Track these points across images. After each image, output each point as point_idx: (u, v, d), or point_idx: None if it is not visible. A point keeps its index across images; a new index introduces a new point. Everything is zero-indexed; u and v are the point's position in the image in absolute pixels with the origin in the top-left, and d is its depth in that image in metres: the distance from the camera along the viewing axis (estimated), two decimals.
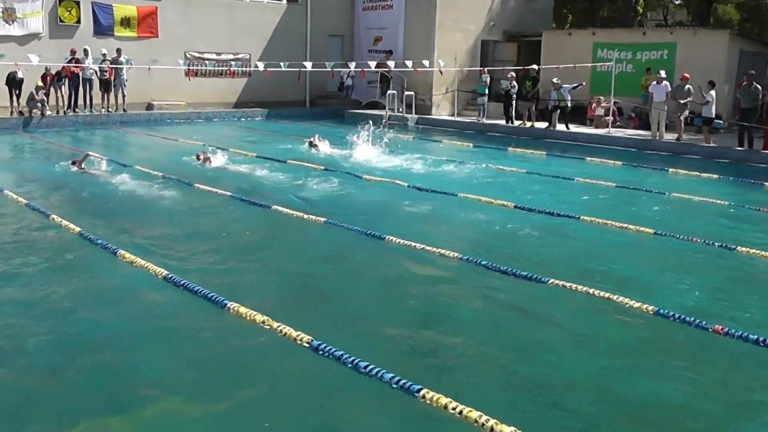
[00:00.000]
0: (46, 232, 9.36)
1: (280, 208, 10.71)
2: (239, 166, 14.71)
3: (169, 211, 10.77)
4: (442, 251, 8.51)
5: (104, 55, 23.10)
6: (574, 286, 7.33)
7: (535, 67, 23.91)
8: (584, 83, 22.87)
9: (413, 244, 8.79)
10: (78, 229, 9.19)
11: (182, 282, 7.19)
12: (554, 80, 22.44)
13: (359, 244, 9.04)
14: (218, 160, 14.69)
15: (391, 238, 9.06)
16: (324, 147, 17.32)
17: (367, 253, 8.72)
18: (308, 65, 23.34)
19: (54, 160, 15.02)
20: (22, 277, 7.59)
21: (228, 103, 27.18)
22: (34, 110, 21.53)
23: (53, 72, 21.84)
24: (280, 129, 20.66)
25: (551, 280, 7.50)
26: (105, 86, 23.29)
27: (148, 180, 13.08)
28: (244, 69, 26.76)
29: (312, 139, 17.56)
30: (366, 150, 17.02)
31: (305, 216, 10.22)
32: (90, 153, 14.31)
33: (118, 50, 23.40)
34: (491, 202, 11.51)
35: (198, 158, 14.78)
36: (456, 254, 8.39)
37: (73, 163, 13.86)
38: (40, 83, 21.52)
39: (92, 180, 13.13)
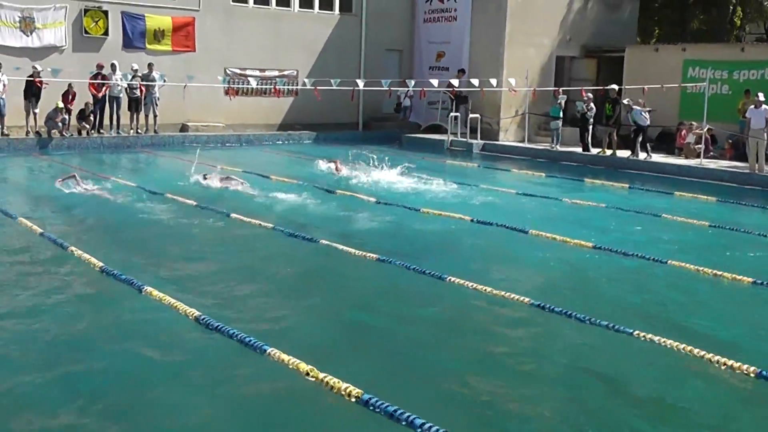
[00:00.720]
0: (64, 265, 9.44)
1: (327, 243, 10.77)
2: (284, 195, 14.91)
3: (203, 243, 10.99)
4: (509, 294, 8.47)
5: (135, 70, 23.59)
6: (661, 340, 7.21)
7: (615, 87, 23.14)
8: (655, 109, 22.45)
9: (477, 285, 8.79)
10: (99, 263, 9.30)
11: (216, 324, 7.18)
12: (625, 101, 22.21)
13: (416, 285, 9.05)
14: (236, 183, 15.52)
15: (452, 278, 9.07)
16: (363, 173, 17.70)
17: (424, 295, 8.71)
18: (361, 83, 23.52)
19: (72, 184, 15.40)
20: (40, 314, 7.67)
21: (271, 125, 27.55)
22: (53, 130, 22.11)
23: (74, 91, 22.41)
24: (330, 154, 20.82)
25: (635, 332, 7.39)
26: (134, 105, 23.81)
27: (179, 208, 13.39)
28: (290, 87, 27.12)
29: (335, 164, 18.54)
30: (422, 179, 17.15)
31: (355, 252, 10.26)
32: (75, 175, 15.18)
33: (150, 65, 23.90)
34: (566, 241, 11.41)
35: (205, 178, 15.92)
36: (525, 299, 8.38)
37: (64, 179, 15.10)
38: (61, 104, 21.98)
39: (115, 207, 13.47)
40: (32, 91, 21.66)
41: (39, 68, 21.60)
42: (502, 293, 8.55)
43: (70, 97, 22.39)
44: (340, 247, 10.51)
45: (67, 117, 22.22)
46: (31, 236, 10.95)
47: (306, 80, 23.40)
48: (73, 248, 9.92)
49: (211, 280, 9.04)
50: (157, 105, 24.09)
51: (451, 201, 14.93)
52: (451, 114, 26.13)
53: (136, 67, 23.68)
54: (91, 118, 22.84)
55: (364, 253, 10.12)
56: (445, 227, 12.52)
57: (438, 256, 10.43)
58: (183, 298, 7.95)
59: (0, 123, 21.67)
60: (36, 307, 7.90)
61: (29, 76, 21.54)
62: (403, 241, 11.43)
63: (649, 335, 7.32)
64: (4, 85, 21.33)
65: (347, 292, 8.89)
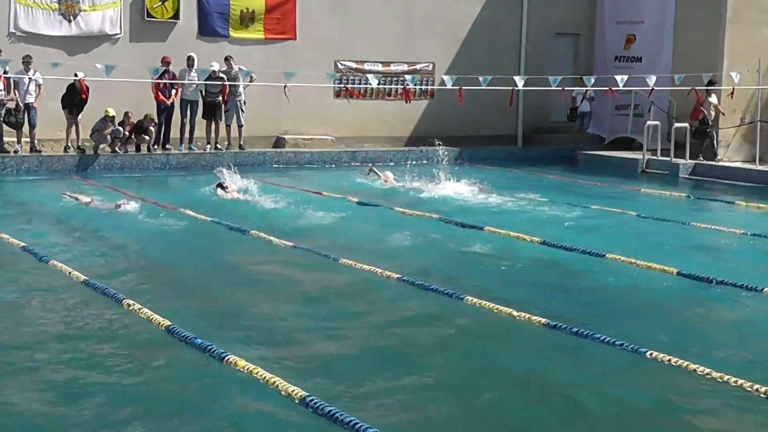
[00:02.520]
0: (120, 321, 9.82)
1: (476, 300, 10.66)
2: (413, 231, 15.26)
3: (299, 295, 11.32)
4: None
5: (214, 69, 23.93)
6: None
7: None
8: None
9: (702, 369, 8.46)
10: (164, 320, 9.44)
11: (343, 417, 7.09)
12: None
13: (601, 360, 8.93)
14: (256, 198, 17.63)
15: (654, 353, 8.72)
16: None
17: (615, 374, 8.61)
18: (521, 81, 23.32)
19: (129, 218, 16.04)
20: (102, 392, 7.91)
21: (398, 139, 27.84)
22: (101, 145, 22.79)
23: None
24: (479, 177, 20.64)
25: None
26: (213, 112, 24.26)
27: (268, 249, 13.88)
28: (424, 86, 27.36)
29: (384, 176, 20.36)
30: (606, 211, 17.11)
31: (520, 315, 10.12)
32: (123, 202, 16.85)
33: (228, 59, 24.21)
34: None
35: (222, 188, 18.37)
36: None
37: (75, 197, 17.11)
38: (112, 111, 22.44)
39: (180, 246, 14.15)
40: (75, 101, 22.39)
41: (82, 75, 22.18)
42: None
43: (128, 124, 23.05)
44: (497, 308, 10.42)
45: (120, 129, 22.81)
46: (69, 283, 11.37)
47: (445, 77, 23.58)
48: (130, 302, 10.17)
49: (314, 352, 9.14)
50: (243, 111, 24.55)
51: (647, 245, 14.77)
52: (648, 123, 25.44)
53: (216, 66, 24.04)
54: (153, 129, 23.35)
55: (529, 316, 10.03)
56: (640, 282, 12.26)
57: (630, 323, 10.32)
58: (287, 376, 8.03)
59: (30, 135, 22.43)
60: (98, 384, 8.11)
61: (70, 85, 22.27)
62: (579, 300, 11.40)
63: None
64: (38, 86, 22.07)
65: (506, 379, 8.66)
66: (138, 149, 23.41)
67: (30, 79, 21.85)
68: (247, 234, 14.78)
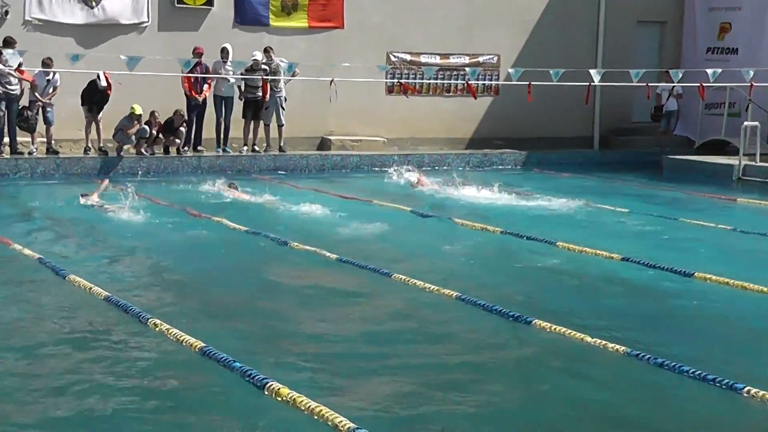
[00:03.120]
0: (147, 343, 9.89)
1: (548, 326, 10.61)
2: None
3: (336, 318, 11.31)
4: None
5: (256, 59, 24.10)
6: None
7: None
8: None
9: None
10: (197, 342, 9.47)
11: None
12: None
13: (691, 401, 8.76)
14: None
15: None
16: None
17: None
18: (598, 76, 23.18)
19: (155, 227, 16.29)
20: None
21: (457, 140, 27.94)
22: (125, 146, 22.98)
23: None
24: (550, 185, 20.59)
25: None
26: (252, 109, 24.40)
27: (311, 262, 14.05)
28: (487, 82, 27.40)
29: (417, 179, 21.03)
30: (699, 225, 16.98)
31: (599, 343, 10.05)
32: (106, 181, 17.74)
33: (268, 50, 24.34)
34: None
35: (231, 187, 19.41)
36: None
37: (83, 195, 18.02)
38: (138, 109, 22.47)
39: (208, 259, 14.34)
40: (96, 97, 22.64)
41: (103, 80, 22.34)
42: None
43: (154, 125, 23.22)
44: (568, 332, 10.37)
45: (147, 128, 22.93)
46: (89, 300, 11.48)
47: (512, 71, 23.50)
48: (157, 321, 10.23)
49: (363, 378, 9.19)
50: (283, 110, 24.62)
51: (743, 263, 14.54)
52: (745, 123, 25.18)
53: (258, 56, 24.19)
54: (183, 129, 23.51)
55: (605, 343, 10.00)
56: (735, 307, 12.07)
57: (724, 353, 10.14)
58: (325, 399, 8.10)
59: (46, 135, 22.66)
60: (124, 410, 8.21)
61: (91, 81, 22.47)
62: (663, 326, 11.31)
63: None
64: (54, 89, 22.43)
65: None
66: (166, 151, 23.58)
67: (48, 81, 22.14)
68: (288, 246, 14.87)
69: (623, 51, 28.69)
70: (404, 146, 26.75)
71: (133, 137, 22.79)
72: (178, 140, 23.41)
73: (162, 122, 23.26)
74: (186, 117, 23.55)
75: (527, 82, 22.11)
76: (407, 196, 20.89)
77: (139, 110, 22.46)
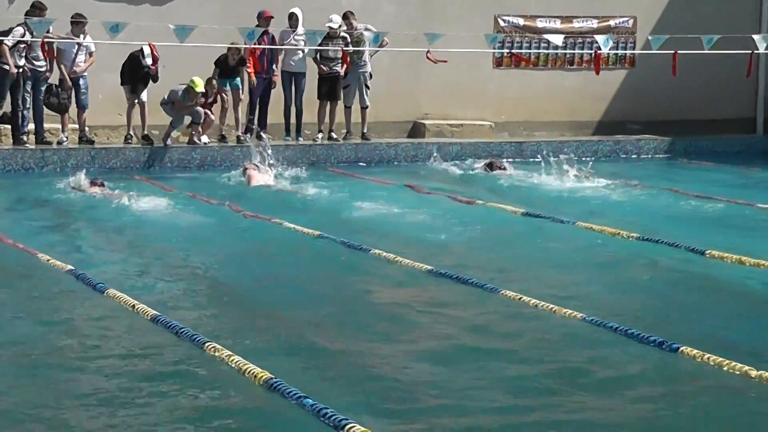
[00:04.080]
0: (204, 372, 9.98)
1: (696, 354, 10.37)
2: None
3: (451, 348, 11.07)
4: None
5: (331, 25, 23.95)
6: None
7: None
8: None
9: None
10: (264, 373, 9.47)
11: None
12: None
13: None
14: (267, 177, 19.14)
15: None
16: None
17: None
18: (763, 43, 22.82)
19: (205, 230, 16.68)
20: None
21: (583, 124, 28.16)
22: (175, 128, 23.08)
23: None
24: (701, 179, 20.34)
25: None
26: (329, 88, 24.32)
27: (396, 274, 14.08)
28: (620, 51, 27.40)
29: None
30: None
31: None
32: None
33: (348, 16, 24.23)
34: None
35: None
36: None
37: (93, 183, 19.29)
38: (200, 85, 22.34)
39: (270, 270, 14.47)
40: (139, 74, 22.66)
41: (148, 55, 22.35)
42: None
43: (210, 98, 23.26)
44: (725, 363, 10.10)
45: (202, 112, 23.03)
46: (134, 321, 11.60)
47: (651, 38, 23.24)
48: (216, 346, 10.29)
49: (464, 421, 8.99)
50: (368, 88, 24.64)
51: None
52: None
53: (337, 21, 24.08)
54: (239, 113, 23.74)
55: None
56: None
57: None
58: None
59: (79, 120, 22.83)
60: None
61: (133, 54, 22.52)
62: None
63: None
64: (89, 54, 22.51)
65: None
66: (223, 139, 23.79)
67: (79, 45, 22.19)
68: (368, 253, 14.95)
69: None
70: (516, 132, 26.95)
71: (184, 116, 22.94)
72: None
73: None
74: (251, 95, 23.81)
75: (671, 51, 21.85)
76: (517, 193, 20.95)
77: (200, 86, 22.40)
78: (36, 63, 21.84)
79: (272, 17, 23.50)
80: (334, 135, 24.69)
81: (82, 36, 22.16)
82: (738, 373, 9.85)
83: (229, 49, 23.25)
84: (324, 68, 24.19)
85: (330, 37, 23.86)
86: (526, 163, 25.37)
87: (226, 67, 23.38)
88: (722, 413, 9.37)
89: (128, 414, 8.68)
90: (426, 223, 17.45)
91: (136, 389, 9.31)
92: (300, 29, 23.84)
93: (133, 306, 11.79)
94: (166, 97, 22.65)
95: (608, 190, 20.82)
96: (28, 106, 22.01)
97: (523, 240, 16.57)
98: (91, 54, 22.40)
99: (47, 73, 22.08)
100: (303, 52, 23.99)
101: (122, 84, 22.75)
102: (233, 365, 9.69)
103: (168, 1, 24.17)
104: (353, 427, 7.99)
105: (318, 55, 24.07)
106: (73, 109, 22.50)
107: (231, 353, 9.87)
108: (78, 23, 21.97)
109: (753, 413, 9.30)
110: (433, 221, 17.52)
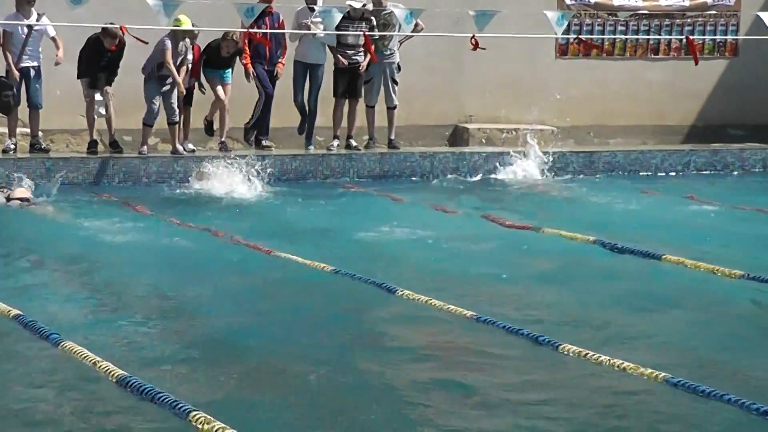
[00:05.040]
0: None
1: None
2: None
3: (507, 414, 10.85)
4: None
5: (353, 4, 23.59)
6: None
7: None
8: None
9: None
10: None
11: None
12: None
13: None
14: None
15: None
16: None
17: None
18: None
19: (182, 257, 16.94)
20: None
21: (670, 130, 28.54)
22: (156, 96, 22.71)
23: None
24: None
25: None
26: (348, 82, 24.01)
27: (429, 320, 13.79)
28: (719, 37, 27.35)
29: None
30: None
31: None
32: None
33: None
34: None
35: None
36: None
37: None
38: (186, 21, 22.61)
39: (264, 304, 14.56)
40: (102, 61, 22.27)
41: (116, 36, 22.00)
42: None
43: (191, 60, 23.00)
44: None
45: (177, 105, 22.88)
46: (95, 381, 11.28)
47: (764, 15, 24.20)
48: (201, 416, 9.90)
49: None
50: (396, 84, 24.73)
51: None
52: None
53: (358, 1, 23.75)
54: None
55: None
56: None
57: None
58: None
59: (30, 123, 22.62)
60: None
61: (93, 38, 22.18)
62: None
63: None
64: (52, 40, 22.12)
65: None
66: (225, 147, 23.67)
67: (31, 29, 21.89)
68: (394, 294, 14.68)
69: None
70: (584, 139, 26.96)
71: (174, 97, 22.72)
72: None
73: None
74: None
75: None
76: (587, 218, 20.77)
77: (187, 23, 22.35)
78: None
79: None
80: (353, 142, 24.39)
81: (34, 15, 21.77)
82: None
83: (224, 38, 22.98)
84: (343, 58, 23.83)
85: (351, 18, 23.55)
86: (593, 179, 25.54)
87: (218, 58, 23.17)
88: None
89: None
90: (467, 256, 17.37)
91: None
92: (317, 16, 23.42)
93: (95, 363, 11.44)
94: (145, 68, 22.57)
95: (706, 214, 20.80)
96: None
97: (592, 279, 16.21)
98: (54, 40, 21.98)
99: None
100: (318, 36, 23.62)
101: (79, 77, 22.38)
102: None
103: None
104: None
105: (337, 42, 23.80)
106: (23, 108, 22.16)
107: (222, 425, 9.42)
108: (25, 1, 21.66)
109: None
110: (477, 254, 17.45)
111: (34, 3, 21.66)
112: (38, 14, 21.86)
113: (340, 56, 23.77)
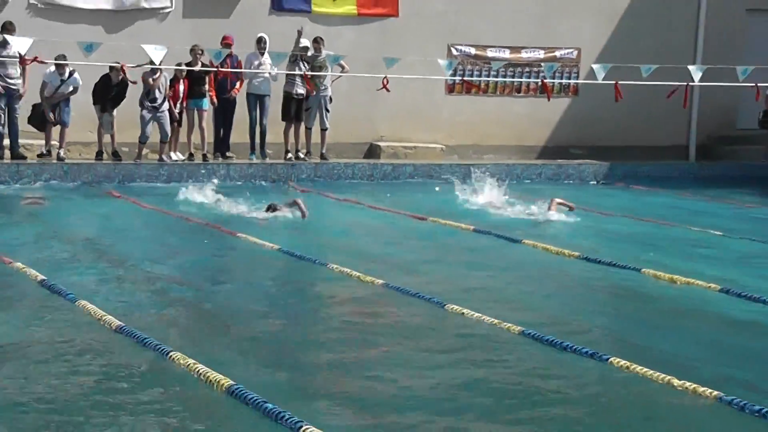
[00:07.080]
0: (170, 381, 9.84)
1: None
2: None
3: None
4: None
5: (306, 43, 23.93)
6: None
7: None
8: None
9: None
10: (225, 380, 9.44)
11: None
12: None
13: None
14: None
15: None
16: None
17: None
18: (698, 73, 23.06)
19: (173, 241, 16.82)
20: None
21: (528, 149, 28.14)
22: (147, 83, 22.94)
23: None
24: (638, 203, 20.41)
25: None
26: (293, 111, 24.32)
27: (354, 287, 13.92)
28: (565, 80, 27.44)
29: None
30: None
31: None
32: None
33: (318, 42, 24.16)
34: None
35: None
36: None
37: None
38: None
39: (229, 275, 14.67)
40: (110, 93, 22.83)
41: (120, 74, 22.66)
42: None
43: (183, 87, 23.37)
44: None
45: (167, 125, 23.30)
46: (100, 331, 11.53)
47: (595, 67, 23.49)
48: (177, 354, 10.26)
49: None
50: (328, 111, 24.72)
51: None
52: None
53: (308, 41, 24.08)
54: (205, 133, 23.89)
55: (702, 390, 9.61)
56: None
57: None
58: None
59: (60, 137, 23.06)
60: None
61: (105, 75, 22.70)
62: None
63: None
64: (75, 89, 22.71)
65: None
66: (191, 158, 23.89)
67: (63, 82, 22.45)
68: (327, 267, 14.90)
69: (729, 44, 28.39)
70: (465, 155, 26.90)
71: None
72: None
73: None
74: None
75: (613, 81, 22.01)
76: (459, 209, 20.99)
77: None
78: (9, 81, 22.00)
79: (232, 44, 23.56)
80: (300, 155, 24.68)
81: (68, 73, 22.39)
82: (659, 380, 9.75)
83: (192, 50, 23.34)
84: (292, 94, 24.13)
85: (301, 59, 23.90)
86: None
87: (194, 83, 23.46)
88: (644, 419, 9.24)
89: (92, 422, 8.61)
90: (376, 238, 17.86)
91: (100, 396, 9.27)
92: (266, 58, 23.84)
93: (101, 317, 11.75)
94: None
95: (550, 212, 20.19)
96: (3, 122, 22.07)
97: (465, 254, 16.64)
98: (76, 89, 22.62)
99: (21, 91, 22.25)
100: (270, 74, 23.97)
101: (94, 104, 22.82)
102: (194, 373, 9.68)
103: (138, 24, 24.35)
104: (308, 429, 8.07)
105: (287, 79, 24.10)
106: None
107: (195, 362, 9.81)
108: (60, 65, 22.18)
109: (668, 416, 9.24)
110: (385, 237, 17.97)
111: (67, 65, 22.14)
112: (69, 72, 22.34)
113: (293, 90, 24.03)
